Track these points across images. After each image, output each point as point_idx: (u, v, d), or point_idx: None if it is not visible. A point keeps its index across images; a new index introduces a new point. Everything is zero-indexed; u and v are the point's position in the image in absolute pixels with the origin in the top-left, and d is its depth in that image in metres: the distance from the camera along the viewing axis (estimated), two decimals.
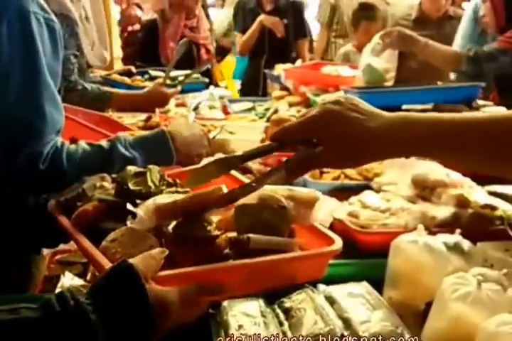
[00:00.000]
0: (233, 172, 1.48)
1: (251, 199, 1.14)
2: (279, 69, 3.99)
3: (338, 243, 1.14)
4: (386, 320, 1.26)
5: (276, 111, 3.13)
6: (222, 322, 1.26)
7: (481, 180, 1.80)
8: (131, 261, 0.93)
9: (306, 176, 2.06)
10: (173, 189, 1.30)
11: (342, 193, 1.91)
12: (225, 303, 1.30)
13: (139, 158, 1.49)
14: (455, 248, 1.41)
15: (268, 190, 1.19)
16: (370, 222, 1.65)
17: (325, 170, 2.12)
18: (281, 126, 1.06)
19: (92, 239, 1.12)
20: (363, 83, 3.04)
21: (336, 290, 1.37)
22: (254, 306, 1.31)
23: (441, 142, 0.96)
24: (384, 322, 1.26)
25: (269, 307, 1.34)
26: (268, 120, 2.79)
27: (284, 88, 3.73)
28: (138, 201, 1.16)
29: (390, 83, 3.07)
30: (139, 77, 3.70)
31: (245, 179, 1.42)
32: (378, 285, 1.41)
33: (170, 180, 1.35)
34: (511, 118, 0.93)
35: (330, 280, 1.43)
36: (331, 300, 1.33)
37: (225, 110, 3.38)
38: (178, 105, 3.31)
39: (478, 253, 1.43)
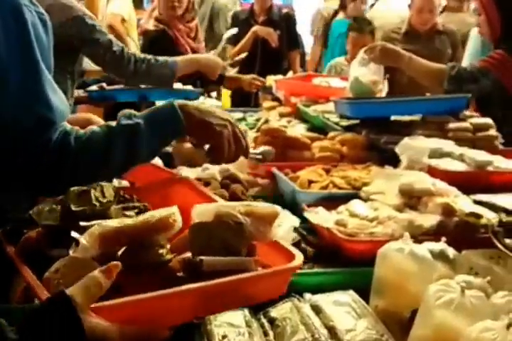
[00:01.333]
0: (204, 189, 1.47)
1: (207, 216, 1.12)
2: (271, 80, 4.01)
3: (299, 259, 1.10)
4: (371, 328, 1.26)
5: (266, 122, 3.14)
6: (206, 332, 1.25)
7: (466, 189, 1.81)
8: (69, 290, 0.88)
9: (294, 185, 2.07)
10: (126, 204, 1.28)
11: (330, 202, 1.92)
12: None
13: (143, 125, 1.32)
14: (440, 256, 1.42)
15: (225, 205, 1.18)
16: (358, 231, 1.65)
17: (313, 179, 2.13)
18: None
19: (40, 268, 1.06)
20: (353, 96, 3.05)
21: (322, 299, 1.37)
22: (239, 316, 1.31)
23: None
24: (369, 330, 1.26)
25: (255, 317, 1.33)
26: (258, 130, 2.80)
27: (275, 99, 3.74)
28: (81, 223, 1.12)
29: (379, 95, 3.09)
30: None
31: (216, 197, 1.40)
32: (365, 293, 1.41)
33: (126, 195, 1.34)
34: None
35: (317, 289, 1.43)
36: (316, 309, 1.33)
37: None
38: None
39: (463, 261, 1.43)
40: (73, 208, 1.18)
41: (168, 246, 1.10)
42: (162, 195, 1.47)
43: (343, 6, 5.57)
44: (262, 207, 1.17)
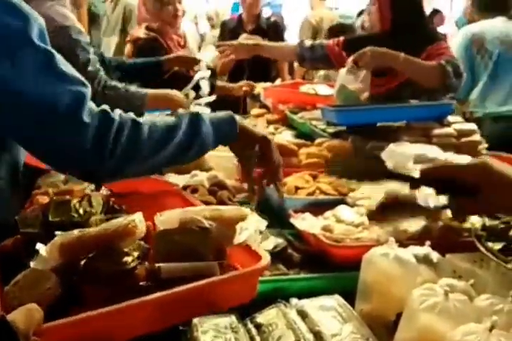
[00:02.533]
0: (194, 199, 1.47)
1: (171, 223, 1.11)
2: (259, 88, 4.01)
3: (265, 260, 1.10)
4: (357, 332, 1.26)
5: None
6: (193, 338, 1.24)
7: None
8: (11, 316, 0.84)
9: None
10: (113, 215, 1.26)
11: (317, 208, 1.92)
12: (195, 320, 1.27)
13: (206, 117, 1.41)
14: (424, 260, 1.41)
15: (191, 211, 1.16)
16: (344, 236, 1.65)
17: (300, 185, 2.13)
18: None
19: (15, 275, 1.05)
20: (339, 103, 3.05)
21: (308, 304, 1.36)
22: (226, 322, 1.29)
23: None
24: (354, 334, 1.25)
25: (241, 322, 1.32)
26: None
27: (263, 106, 3.74)
28: (57, 232, 1.10)
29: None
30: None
31: (195, 200, 1.39)
32: (351, 297, 1.41)
33: (116, 206, 1.33)
34: None
35: (303, 294, 1.42)
36: (303, 314, 1.32)
37: None
38: None
39: (447, 265, 1.43)
40: (50, 218, 1.17)
41: (136, 253, 1.09)
42: (153, 206, 1.46)
43: None
44: (229, 210, 1.16)
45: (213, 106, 4.40)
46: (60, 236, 1.05)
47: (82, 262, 1.06)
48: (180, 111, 1.42)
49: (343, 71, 3.00)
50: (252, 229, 1.13)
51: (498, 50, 3.70)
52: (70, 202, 1.21)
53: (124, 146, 1.25)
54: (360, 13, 7.84)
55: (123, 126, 1.27)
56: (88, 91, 1.25)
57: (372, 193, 1.91)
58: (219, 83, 4.36)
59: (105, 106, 1.28)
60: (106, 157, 1.22)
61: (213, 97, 3.79)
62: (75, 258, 1.06)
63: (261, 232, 1.15)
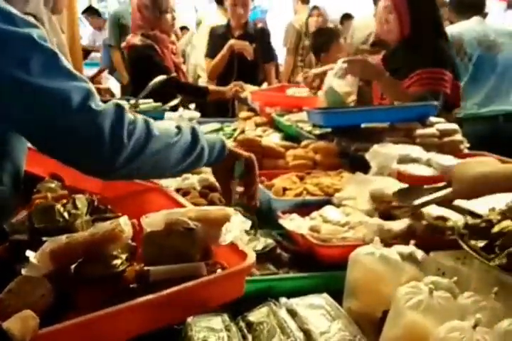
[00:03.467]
0: (178, 197, 1.47)
1: (157, 224, 1.11)
2: (247, 91, 4.01)
3: (250, 259, 1.10)
4: (345, 329, 1.26)
5: (243, 132, 3.14)
6: (187, 337, 1.24)
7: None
8: (5, 323, 0.85)
9: (270, 193, 2.06)
10: (98, 216, 1.26)
11: (304, 209, 1.92)
12: (189, 319, 1.27)
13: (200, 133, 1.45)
14: (409, 258, 1.42)
15: (176, 212, 1.16)
16: (331, 236, 1.65)
17: (287, 186, 2.13)
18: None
19: (6, 282, 1.04)
20: (325, 105, 3.06)
21: (297, 303, 1.36)
22: (219, 320, 1.30)
23: None
24: (343, 332, 1.26)
25: (233, 321, 1.32)
26: (235, 140, 2.80)
27: (251, 109, 3.74)
28: (44, 238, 1.10)
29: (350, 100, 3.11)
30: None
31: (189, 204, 1.40)
32: (339, 296, 1.41)
33: (101, 206, 1.32)
34: None
35: (292, 293, 1.42)
36: (292, 313, 1.33)
37: None
38: None
39: (431, 263, 1.44)
40: (36, 225, 1.16)
41: (125, 256, 1.09)
42: (137, 205, 1.46)
43: None
44: (214, 210, 1.16)
45: (203, 109, 4.42)
46: (49, 243, 1.05)
47: (73, 267, 1.06)
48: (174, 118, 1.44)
49: (331, 73, 3.00)
50: (237, 229, 1.14)
51: (477, 53, 3.71)
52: (54, 206, 1.20)
53: (138, 136, 1.25)
54: (344, 17, 7.85)
55: (135, 119, 1.29)
56: (92, 87, 1.26)
57: (357, 193, 1.92)
58: (211, 87, 4.38)
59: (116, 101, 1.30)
60: (123, 142, 1.22)
61: (178, 99, 3.79)
62: (65, 264, 1.05)
63: (246, 232, 1.15)
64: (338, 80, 2.97)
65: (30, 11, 2.35)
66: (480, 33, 3.76)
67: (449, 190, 1.55)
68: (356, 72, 2.92)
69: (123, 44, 4.40)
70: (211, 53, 4.99)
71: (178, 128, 1.41)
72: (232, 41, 4.76)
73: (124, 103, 3.25)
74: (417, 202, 1.62)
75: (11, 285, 1.00)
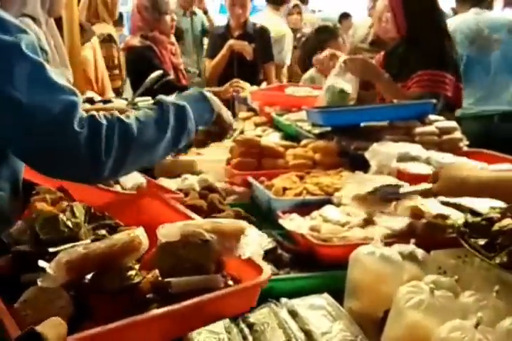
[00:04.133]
0: (172, 201, 1.46)
1: (173, 235, 1.10)
2: (246, 91, 3.99)
3: (266, 274, 1.09)
4: (346, 330, 1.25)
5: (242, 132, 3.12)
6: (187, 339, 1.23)
7: None
8: (38, 328, 0.85)
9: (270, 193, 2.05)
10: (97, 223, 1.25)
11: (305, 208, 1.91)
12: None
13: (186, 105, 1.42)
14: (410, 257, 1.41)
15: (192, 224, 1.15)
16: (331, 236, 1.64)
17: (287, 186, 2.12)
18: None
19: (14, 294, 1.03)
20: (326, 104, 3.04)
21: (298, 303, 1.35)
22: (219, 322, 1.28)
23: None
24: (344, 332, 1.25)
25: (234, 322, 1.31)
26: (234, 140, 2.78)
27: (250, 109, 3.72)
28: (50, 249, 1.09)
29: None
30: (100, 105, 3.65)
31: (185, 209, 1.39)
32: (340, 295, 1.40)
33: (98, 213, 1.31)
34: None
35: (293, 293, 1.41)
36: (293, 313, 1.31)
37: None
38: None
39: (432, 261, 1.43)
40: (41, 236, 1.15)
41: (138, 266, 1.08)
42: (133, 210, 1.45)
43: None
44: (228, 223, 1.15)
45: None
46: (64, 254, 1.04)
47: (88, 278, 1.05)
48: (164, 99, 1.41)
49: (333, 72, 2.99)
50: (255, 243, 1.12)
51: (467, 53, 3.61)
52: (57, 216, 1.19)
53: (117, 147, 1.24)
54: (343, 16, 7.84)
55: (112, 128, 1.26)
56: (79, 100, 1.25)
57: (357, 192, 1.90)
58: (207, 88, 4.35)
59: (92, 112, 1.28)
60: (101, 160, 1.22)
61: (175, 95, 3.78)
62: (81, 275, 1.05)
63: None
64: (339, 79, 2.95)
65: (27, 12, 2.33)
66: (473, 29, 3.66)
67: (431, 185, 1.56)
68: (356, 72, 2.90)
69: (122, 45, 4.39)
70: (211, 53, 4.98)
71: (163, 114, 1.37)
72: (231, 41, 4.75)
73: (123, 102, 3.24)
74: (402, 190, 1.67)
75: (26, 295, 1.00)
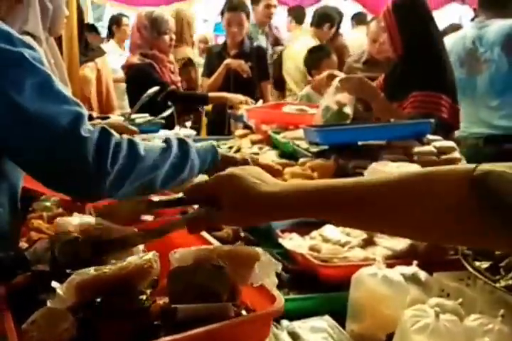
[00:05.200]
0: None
1: (186, 260, 1.08)
2: (242, 109, 3.99)
3: (279, 303, 1.06)
4: None
5: (239, 150, 3.11)
6: None
7: None
8: None
9: None
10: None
11: (304, 228, 1.89)
12: None
13: (191, 143, 1.46)
14: (413, 279, 1.39)
15: (205, 249, 1.13)
16: (331, 256, 1.62)
17: None
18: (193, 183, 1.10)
19: (29, 313, 1.01)
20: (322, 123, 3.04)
21: (299, 326, 1.33)
22: None
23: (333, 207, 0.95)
24: None
25: None
26: None
27: (246, 127, 3.72)
28: (68, 271, 1.07)
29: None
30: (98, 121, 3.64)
31: (213, 240, 1.38)
32: (341, 317, 1.38)
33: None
34: (403, 181, 0.90)
35: (293, 315, 1.39)
36: (294, 336, 1.29)
37: None
38: None
39: (435, 284, 1.41)
40: (59, 259, 1.14)
41: (149, 290, 1.06)
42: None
43: None
44: (242, 249, 1.12)
45: (199, 127, 4.42)
46: (76, 275, 1.02)
47: (98, 301, 1.02)
48: (169, 135, 1.44)
49: (330, 91, 2.99)
50: (268, 271, 1.10)
51: (457, 75, 3.55)
52: (77, 239, 1.17)
53: (123, 159, 1.26)
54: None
55: (120, 143, 1.28)
56: (84, 111, 1.26)
57: None
58: (211, 94, 4.41)
59: (103, 125, 1.29)
60: (106, 169, 1.23)
61: (170, 110, 3.81)
62: (91, 297, 1.02)
63: (277, 274, 1.12)
64: (335, 98, 2.95)
65: (28, 30, 2.33)
66: (467, 49, 3.57)
67: None
68: (351, 90, 2.91)
69: (122, 64, 4.42)
70: (207, 72, 5.00)
71: (167, 142, 1.40)
72: (228, 60, 4.77)
73: (120, 118, 3.24)
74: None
75: (35, 316, 0.98)
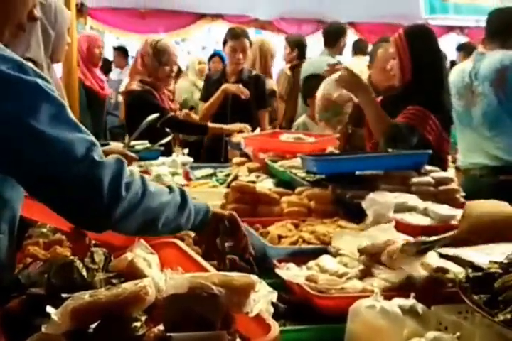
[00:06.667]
0: (191, 251, 1.45)
1: (181, 287, 1.08)
2: (240, 137, 4.01)
3: (274, 332, 1.06)
4: None
5: (236, 178, 3.11)
6: None
7: None
8: None
9: (265, 241, 2.03)
10: (113, 273, 1.24)
11: (300, 257, 1.89)
12: None
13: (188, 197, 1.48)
14: (410, 311, 1.39)
15: (200, 276, 1.13)
16: (329, 287, 1.61)
17: (283, 234, 2.10)
18: None
19: (23, 336, 1.02)
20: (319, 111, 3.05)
21: None
22: None
23: None
24: None
25: None
26: (228, 186, 2.77)
27: (243, 155, 3.73)
28: (64, 295, 1.07)
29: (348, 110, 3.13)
30: None
31: (203, 262, 1.41)
32: None
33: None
34: None
35: None
36: None
37: (187, 176, 3.37)
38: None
39: (433, 317, 1.40)
40: (54, 281, 1.13)
41: (144, 317, 1.05)
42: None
43: None
44: (238, 277, 1.12)
45: (195, 154, 4.42)
46: (71, 301, 1.02)
47: (92, 327, 1.03)
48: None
49: (325, 81, 3.02)
50: (264, 301, 1.10)
51: (455, 106, 3.48)
52: (72, 263, 1.17)
53: (135, 191, 1.28)
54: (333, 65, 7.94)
55: (133, 174, 1.32)
56: (95, 140, 1.28)
57: (353, 243, 1.88)
58: (211, 124, 4.45)
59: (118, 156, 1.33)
60: (121, 195, 1.24)
61: (170, 137, 3.84)
62: (86, 323, 1.03)
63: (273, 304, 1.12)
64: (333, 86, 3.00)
65: (30, 56, 2.36)
66: (465, 82, 3.59)
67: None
68: (342, 81, 2.94)
69: (122, 89, 4.46)
70: (205, 97, 5.04)
71: (170, 188, 1.44)
72: (225, 85, 4.79)
73: (120, 145, 3.25)
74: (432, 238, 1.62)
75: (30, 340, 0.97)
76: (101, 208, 1.22)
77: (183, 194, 1.46)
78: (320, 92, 3.17)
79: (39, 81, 1.24)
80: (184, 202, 1.44)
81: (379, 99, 3.21)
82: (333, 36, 6.03)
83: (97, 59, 5.40)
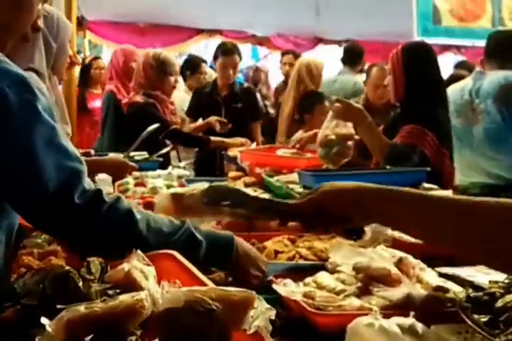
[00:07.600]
0: (189, 264, 1.44)
1: (177, 301, 1.06)
2: (235, 151, 4.01)
3: None
4: None
5: None
6: None
7: (431, 262, 1.77)
8: None
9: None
10: (102, 285, 1.22)
11: (297, 273, 1.87)
12: None
13: (203, 245, 1.49)
14: (410, 330, 1.37)
15: (197, 290, 1.11)
16: (326, 304, 1.59)
17: (279, 249, 2.08)
18: None
19: None
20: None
21: None
22: None
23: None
24: None
25: None
26: None
27: (239, 169, 3.72)
28: (58, 306, 1.05)
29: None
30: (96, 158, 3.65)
31: (200, 275, 1.39)
32: None
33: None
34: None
35: None
36: None
37: None
38: (137, 184, 3.26)
39: (432, 336, 1.38)
40: (49, 292, 1.11)
41: (139, 332, 1.03)
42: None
43: None
44: (236, 292, 1.10)
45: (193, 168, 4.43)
46: (66, 312, 1.00)
47: (87, 340, 1.00)
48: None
49: (328, 118, 3.03)
50: (262, 318, 1.08)
51: (453, 124, 3.47)
52: (68, 274, 1.16)
53: (114, 231, 1.32)
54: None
55: (113, 211, 1.33)
56: (84, 168, 1.28)
57: (351, 260, 1.86)
58: (214, 138, 4.47)
59: (101, 187, 1.34)
60: (93, 237, 1.28)
61: (168, 148, 3.85)
62: (80, 335, 1.00)
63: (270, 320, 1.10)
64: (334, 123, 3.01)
65: (33, 66, 2.36)
66: (464, 100, 3.62)
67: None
68: (339, 113, 2.95)
69: (124, 101, 4.45)
70: (193, 112, 5.09)
71: (173, 233, 1.48)
72: (210, 119, 4.83)
73: (119, 156, 3.24)
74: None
75: None
76: (79, 242, 1.31)
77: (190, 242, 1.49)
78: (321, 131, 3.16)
79: (38, 100, 1.24)
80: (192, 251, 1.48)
81: (381, 128, 3.22)
82: (355, 56, 6.06)
83: (132, 73, 5.32)
